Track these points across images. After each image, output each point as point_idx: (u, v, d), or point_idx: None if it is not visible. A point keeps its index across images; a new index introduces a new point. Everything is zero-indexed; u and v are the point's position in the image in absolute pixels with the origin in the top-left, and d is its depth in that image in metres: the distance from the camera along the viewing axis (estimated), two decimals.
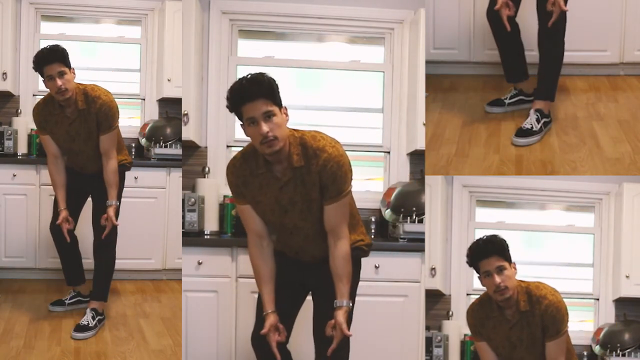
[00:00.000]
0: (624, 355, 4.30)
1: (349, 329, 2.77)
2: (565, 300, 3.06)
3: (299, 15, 4.38)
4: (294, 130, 2.76)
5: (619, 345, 4.31)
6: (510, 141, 3.80)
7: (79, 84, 3.69)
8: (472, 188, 4.50)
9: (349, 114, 4.51)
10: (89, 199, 4.01)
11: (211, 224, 4.09)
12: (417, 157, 4.36)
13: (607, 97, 4.31)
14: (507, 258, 3.01)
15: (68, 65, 3.60)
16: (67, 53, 3.60)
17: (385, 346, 3.91)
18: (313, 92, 4.54)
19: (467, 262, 3.08)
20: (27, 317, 4.05)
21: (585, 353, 4.43)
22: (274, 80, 2.65)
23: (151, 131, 5.02)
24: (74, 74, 3.64)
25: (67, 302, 4.19)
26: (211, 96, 4.30)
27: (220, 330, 3.83)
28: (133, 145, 5.09)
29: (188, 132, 4.05)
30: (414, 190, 4.15)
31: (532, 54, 4.00)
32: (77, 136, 3.74)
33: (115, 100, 3.77)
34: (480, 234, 3.27)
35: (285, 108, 2.70)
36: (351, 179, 2.80)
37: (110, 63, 5.26)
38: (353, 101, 4.50)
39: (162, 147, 4.95)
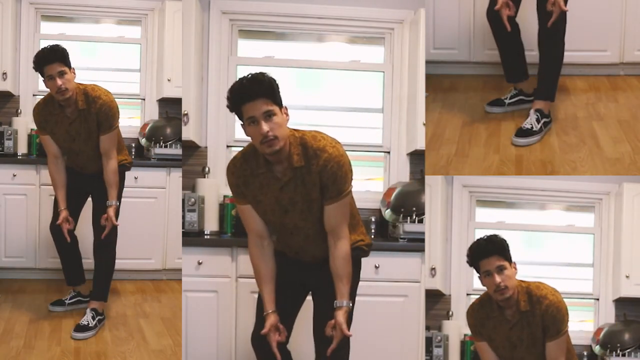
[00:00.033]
0: (624, 355, 4.30)
1: (349, 329, 2.77)
2: (565, 300, 3.06)
3: (299, 15, 4.38)
4: (295, 130, 2.76)
5: (619, 345, 4.31)
6: (510, 141, 3.80)
7: (79, 84, 3.69)
8: (472, 188, 4.50)
9: (349, 114, 4.51)
10: (89, 199, 4.01)
11: (211, 224, 4.09)
12: (417, 157, 4.36)
13: (607, 97, 4.31)
14: (508, 258, 3.01)
15: (68, 65, 3.60)
16: (67, 53, 3.60)
17: (385, 346, 3.91)
18: (313, 92, 4.54)
19: (468, 262, 3.08)
20: (27, 317, 4.05)
21: (585, 353, 4.43)
22: (275, 80, 2.65)
23: (151, 131, 5.02)
24: (74, 73, 3.64)
25: (67, 302, 4.19)
26: (211, 96, 4.30)
27: (220, 330, 3.83)
28: (133, 145, 5.08)
29: (188, 132, 4.05)
30: (414, 190, 4.15)
31: (532, 54, 4.00)
32: (77, 136, 3.74)
33: (116, 100, 3.77)
34: (480, 234, 3.27)
35: (286, 108, 2.70)
36: (351, 179, 2.80)
37: (110, 63, 5.25)
38: (353, 101, 4.50)
39: (162, 147, 4.95)
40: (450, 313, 4.36)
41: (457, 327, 4.25)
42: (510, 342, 3.09)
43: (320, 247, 2.86)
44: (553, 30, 3.68)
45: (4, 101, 5.04)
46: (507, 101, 4.12)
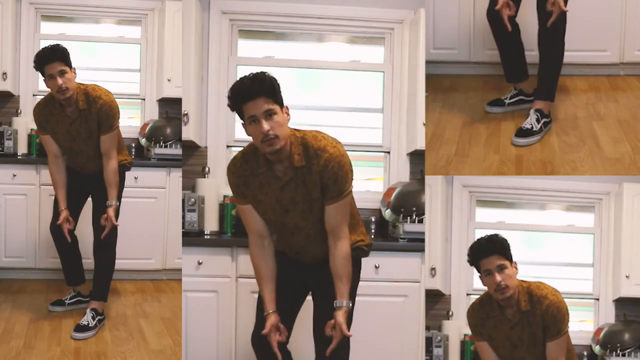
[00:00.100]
0: (624, 355, 4.30)
1: (349, 329, 2.77)
2: (565, 300, 3.06)
3: (299, 15, 4.38)
4: (295, 130, 2.76)
5: (619, 345, 4.31)
6: (510, 141, 3.80)
7: (80, 84, 3.70)
8: (472, 188, 4.50)
9: (349, 114, 4.51)
10: (89, 199, 4.01)
11: (211, 224, 4.09)
12: (417, 157, 4.36)
13: (607, 97, 4.31)
14: (508, 257, 3.02)
15: (69, 64, 3.60)
16: (68, 52, 3.61)
17: (385, 346, 3.91)
18: (313, 92, 4.54)
19: (468, 261, 3.08)
20: (27, 317, 4.05)
21: (585, 353, 4.43)
22: (276, 79, 2.65)
23: (151, 131, 5.02)
24: (75, 73, 3.64)
25: (67, 302, 4.19)
26: (211, 96, 4.30)
27: (220, 330, 3.83)
28: (133, 145, 5.08)
29: (188, 132, 4.05)
30: (414, 190, 4.15)
31: (532, 54, 4.00)
32: (77, 136, 3.74)
33: (116, 100, 3.77)
34: (480, 234, 3.27)
35: (287, 107, 2.70)
36: (352, 179, 2.80)
37: (110, 63, 5.26)
38: (353, 101, 4.50)
39: (162, 147, 4.95)
40: (450, 313, 4.36)
41: (457, 327, 4.25)
42: (511, 342, 3.09)
43: (320, 247, 2.86)
44: (553, 30, 3.68)
45: (4, 101, 5.04)
46: (507, 101, 4.12)
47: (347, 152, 2.79)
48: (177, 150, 4.89)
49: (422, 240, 4.00)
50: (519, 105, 4.10)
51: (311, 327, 2.92)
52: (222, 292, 3.83)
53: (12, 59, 4.97)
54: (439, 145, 3.87)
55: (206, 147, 4.30)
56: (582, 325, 4.56)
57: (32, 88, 5.05)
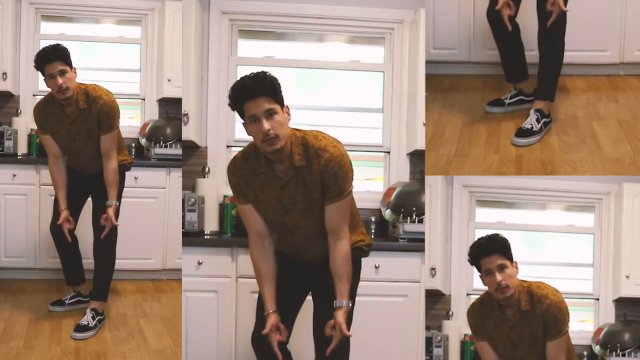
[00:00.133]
0: (624, 355, 4.30)
1: (348, 329, 2.77)
2: (565, 300, 3.06)
3: (299, 15, 4.38)
4: (296, 130, 2.76)
5: (619, 345, 4.32)
6: (510, 141, 3.80)
7: (80, 83, 3.70)
8: (472, 188, 4.50)
9: (349, 114, 4.51)
10: (89, 199, 4.01)
11: (211, 224, 4.09)
12: (417, 157, 4.36)
13: (607, 97, 4.31)
14: (509, 257, 3.02)
15: (69, 64, 3.60)
16: (68, 52, 3.61)
17: (385, 346, 3.91)
18: (313, 92, 4.54)
19: (469, 261, 3.08)
20: (27, 317, 4.05)
21: (585, 353, 4.43)
22: (276, 79, 2.66)
23: (151, 131, 5.02)
24: (75, 73, 3.64)
25: (67, 302, 4.19)
26: (211, 96, 4.30)
27: (220, 330, 3.83)
28: (133, 145, 5.08)
29: (188, 132, 4.05)
30: (414, 190, 4.15)
31: (532, 54, 4.00)
32: (77, 136, 3.74)
33: (116, 100, 3.77)
34: (480, 234, 3.27)
35: (288, 107, 2.70)
36: (352, 179, 2.80)
37: (110, 63, 5.26)
38: (353, 101, 4.50)
39: (162, 147, 4.95)
40: (450, 313, 4.36)
41: (457, 327, 4.25)
42: (511, 342, 3.09)
43: (320, 246, 2.86)
44: (553, 30, 3.68)
45: (4, 101, 5.04)
46: (507, 101, 4.12)
47: (347, 152, 2.79)
48: (177, 150, 4.89)
49: (422, 240, 4.00)
50: (519, 105, 4.10)
51: (311, 327, 2.92)
52: (222, 292, 3.83)
53: (12, 59, 4.97)
54: (439, 145, 3.87)
55: (206, 147, 4.30)
56: (582, 325, 4.56)
57: (32, 88, 5.05)
